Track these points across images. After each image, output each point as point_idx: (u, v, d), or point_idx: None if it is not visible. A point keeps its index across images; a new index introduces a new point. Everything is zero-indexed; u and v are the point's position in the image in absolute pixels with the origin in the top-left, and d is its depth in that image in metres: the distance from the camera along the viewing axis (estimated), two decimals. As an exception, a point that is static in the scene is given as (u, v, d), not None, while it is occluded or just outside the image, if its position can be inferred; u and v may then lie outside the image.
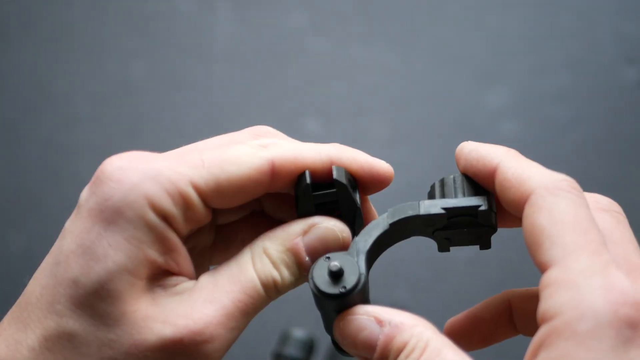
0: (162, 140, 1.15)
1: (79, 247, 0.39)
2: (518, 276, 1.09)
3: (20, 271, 1.26)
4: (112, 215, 0.39)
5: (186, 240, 0.41)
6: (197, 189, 0.39)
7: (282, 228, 0.40)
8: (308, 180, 0.41)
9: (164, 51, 1.17)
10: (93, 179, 0.41)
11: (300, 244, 0.40)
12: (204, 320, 0.38)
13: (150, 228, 0.38)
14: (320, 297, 0.38)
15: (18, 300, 0.40)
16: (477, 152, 0.42)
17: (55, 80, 1.17)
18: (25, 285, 0.42)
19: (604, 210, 0.38)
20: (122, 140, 1.15)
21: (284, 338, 0.84)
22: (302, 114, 1.15)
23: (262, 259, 0.39)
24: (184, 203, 0.39)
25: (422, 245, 1.12)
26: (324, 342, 0.88)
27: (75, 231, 0.40)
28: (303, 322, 0.92)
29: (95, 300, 0.38)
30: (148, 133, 1.15)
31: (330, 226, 0.40)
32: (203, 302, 0.38)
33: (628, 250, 0.36)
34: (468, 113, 1.14)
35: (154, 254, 0.38)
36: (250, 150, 0.41)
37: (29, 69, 1.18)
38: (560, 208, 0.36)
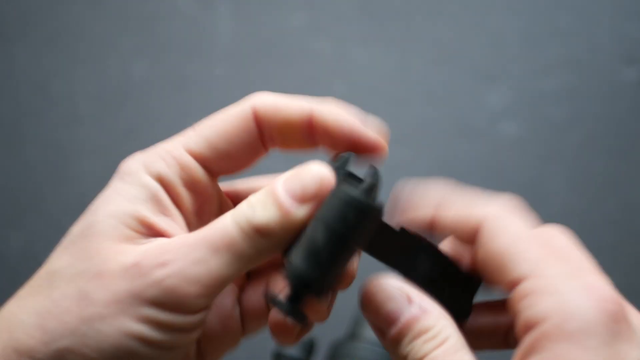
0: (163, 140, 1.15)
1: (85, 211, 0.41)
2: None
3: (20, 271, 1.26)
4: (113, 182, 0.41)
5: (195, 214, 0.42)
6: (189, 151, 0.42)
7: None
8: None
9: (164, 51, 1.17)
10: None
11: (278, 184, 0.39)
12: (164, 248, 0.38)
13: (143, 187, 0.40)
14: (364, 208, 0.38)
15: None
16: (414, 210, 0.42)
17: (56, 80, 1.17)
18: None
19: (556, 231, 0.39)
20: (123, 140, 1.15)
21: (284, 338, 0.84)
22: (302, 114, 1.15)
23: (241, 205, 0.39)
24: (178, 165, 0.42)
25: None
26: (324, 342, 0.88)
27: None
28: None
29: (78, 240, 0.40)
30: (149, 133, 1.15)
31: (310, 167, 0.40)
32: (172, 240, 0.39)
33: (584, 260, 0.39)
34: (468, 113, 1.14)
35: (146, 211, 0.40)
36: (235, 104, 0.44)
37: (29, 69, 1.18)
38: (513, 228, 0.38)
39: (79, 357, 0.37)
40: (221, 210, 0.44)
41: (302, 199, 0.39)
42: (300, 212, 0.39)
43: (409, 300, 0.37)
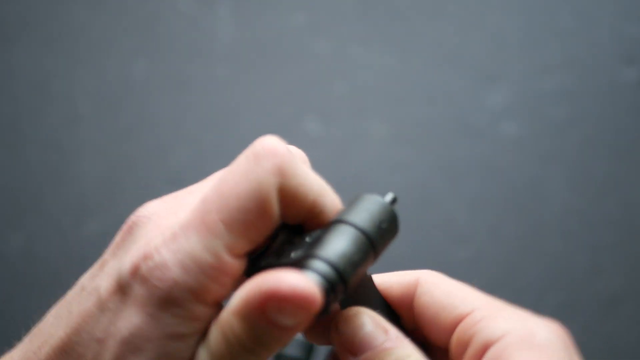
0: (163, 140, 1.15)
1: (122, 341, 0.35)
2: (518, 276, 1.09)
3: (20, 271, 1.26)
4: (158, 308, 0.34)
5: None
6: (233, 252, 0.35)
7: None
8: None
9: (164, 51, 1.17)
10: (123, 232, 0.36)
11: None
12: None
13: (191, 318, 0.34)
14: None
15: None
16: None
17: (56, 80, 1.17)
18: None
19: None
20: (123, 140, 1.15)
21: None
22: (302, 114, 1.15)
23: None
24: (230, 287, 0.35)
25: (421, 245, 1.12)
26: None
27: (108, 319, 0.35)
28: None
29: None
30: (149, 133, 1.15)
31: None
32: None
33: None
34: (468, 113, 1.15)
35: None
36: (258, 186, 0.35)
37: (29, 69, 1.18)
38: (450, 281, 0.39)
39: None
40: None
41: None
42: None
43: (385, 332, 0.36)
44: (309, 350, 0.83)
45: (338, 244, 0.35)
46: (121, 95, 1.17)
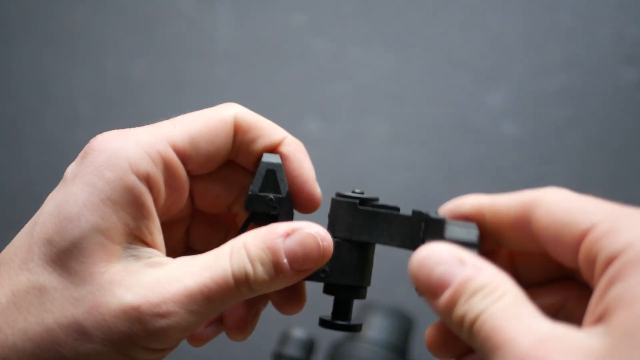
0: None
1: (56, 208, 0.41)
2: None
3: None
4: (93, 178, 0.40)
5: (165, 212, 0.42)
6: (174, 147, 0.42)
7: (267, 227, 0.41)
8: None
9: (164, 51, 1.17)
10: (80, 154, 0.41)
11: (281, 244, 0.40)
12: (164, 295, 0.38)
13: (127, 190, 0.40)
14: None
15: None
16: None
17: (56, 80, 1.17)
18: None
19: None
20: (122, 140, 1.15)
21: (284, 338, 0.84)
22: (302, 114, 1.15)
23: (240, 252, 0.40)
24: (164, 164, 0.41)
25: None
26: (324, 342, 0.88)
27: (56, 197, 0.42)
28: (303, 322, 0.92)
29: (67, 258, 0.39)
30: (148, 133, 1.15)
31: (313, 233, 0.40)
32: (169, 280, 0.39)
33: None
34: (468, 113, 1.14)
35: (128, 218, 0.40)
36: (215, 108, 0.44)
37: (29, 69, 1.18)
38: (571, 195, 0.38)
39: None
40: (187, 203, 0.45)
41: (301, 270, 0.40)
42: (296, 278, 0.40)
43: (461, 262, 0.34)
44: (309, 350, 0.83)
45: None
46: (121, 95, 1.17)
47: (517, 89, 1.14)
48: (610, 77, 1.14)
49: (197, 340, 0.45)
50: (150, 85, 1.17)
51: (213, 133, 0.43)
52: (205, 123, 0.44)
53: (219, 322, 0.45)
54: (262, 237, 0.40)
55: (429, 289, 0.35)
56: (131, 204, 0.40)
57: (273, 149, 0.44)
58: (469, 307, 0.33)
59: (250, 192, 0.43)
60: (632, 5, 1.14)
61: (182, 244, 0.47)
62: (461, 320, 0.33)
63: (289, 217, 0.44)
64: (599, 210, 0.36)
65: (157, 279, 0.39)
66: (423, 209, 0.43)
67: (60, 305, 0.38)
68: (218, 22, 1.17)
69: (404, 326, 0.93)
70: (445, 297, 0.34)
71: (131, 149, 0.40)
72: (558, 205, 0.37)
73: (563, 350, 0.30)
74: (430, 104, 1.15)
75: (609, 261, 0.32)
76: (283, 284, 0.40)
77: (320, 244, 0.40)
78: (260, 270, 0.39)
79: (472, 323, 0.33)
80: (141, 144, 0.41)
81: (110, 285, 0.38)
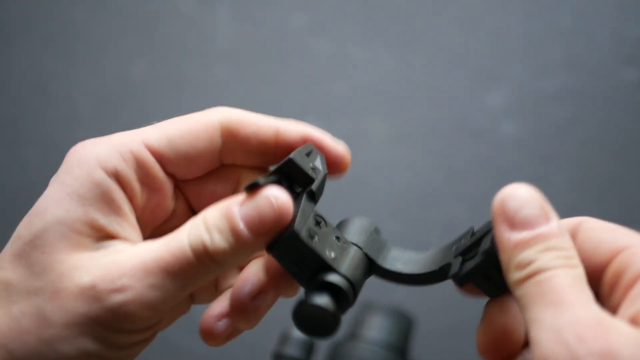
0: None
1: (31, 209, 0.41)
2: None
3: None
4: (63, 176, 0.41)
5: (146, 206, 0.42)
6: (149, 147, 0.42)
7: (227, 199, 0.41)
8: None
9: (164, 51, 1.17)
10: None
11: (235, 210, 0.39)
12: (120, 271, 0.38)
13: (95, 185, 0.40)
14: None
15: None
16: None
17: (56, 80, 1.17)
18: None
19: None
20: (122, 140, 1.15)
21: (284, 338, 0.84)
22: (302, 114, 1.15)
23: (198, 225, 0.40)
24: (136, 161, 0.41)
25: (421, 245, 1.12)
26: (324, 342, 0.88)
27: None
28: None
29: (30, 250, 0.40)
30: (148, 133, 1.15)
31: (266, 194, 0.40)
32: (127, 257, 0.39)
33: None
34: (468, 113, 1.14)
35: (96, 213, 0.40)
36: (201, 112, 0.44)
37: (29, 69, 1.18)
38: (611, 224, 0.40)
39: None
40: (175, 209, 0.45)
41: (259, 232, 0.39)
42: (256, 243, 0.39)
43: (547, 216, 0.36)
44: (309, 350, 0.83)
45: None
46: (121, 95, 1.17)
47: (517, 89, 1.14)
48: (610, 77, 1.14)
49: (210, 337, 0.44)
50: (150, 85, 1.17)
51: (193, 135, 0.43)
52: (186, 126, 0.44)
53: (229, 315, 0.45)
54: (219, 207, 0.40)
55: (510, 219, 0.36)
56: (99, 199, 0.40)
57: (272, 142, 0.45)
58: (542, 257, 0.34)
59: (292, 156, 0.42)
60: (632, 5, 1.14)
61: None
62: (526, 264, 0.34)
63: (320, 192, 0.43)
64: (636, 235, 0.38)
65: (116, 259, 0.39)
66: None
67: (25, 296, 0.39)
68: (218, 22, 1.17)
69: (404, 326, 0.92)
70: (524, 235, 0.35)
71: (102, 148, 0.41)
72: (602, 226, 0.39)
73: (619, 334, 0.32)
74: (430, 104, 1.15)
75: (639, 276, 0.35)
76: (247, 252, 0.40)
77: (274, 202, 0.39)
78: (217, 238, 0.39)
79: (537, 272, 0.34)
80: (113, 144, 0.42)
81: (69, 272, 0.38)
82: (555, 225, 0.35)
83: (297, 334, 0.84)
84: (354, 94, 1.15)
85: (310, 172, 0.43)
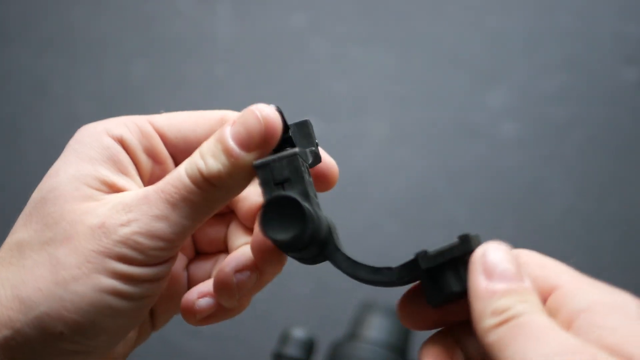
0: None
1: (45, 176, 0.44)
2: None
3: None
4: (73, 145, 0.43)
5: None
6: (153, 125, 0.45)
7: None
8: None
9: (164, 51, 1.17)
10: None
11: (227, 131, 0.41)
12: (125, 207, 0.40)
13: (104, 148, 0.43)
14: None
15: None
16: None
17: (56, 80, 1.17)
18: None
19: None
20: (122, 140, 1.15)
21: (284, 338, 0.84)
22: (302, 114, 1.15)
23: (194, 155, 0.42)
24: (141, 133, 0.45)
25: (421, 245, 1.12)
26: (324, 342, 0.88)
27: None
28: (303, 322, 0.92)
29: (42, 206, 0.42)
30: (148, 133, 1.15)
31: (252, 109, 0.42)
32: (133, 195, 0.41)
33: None
34: (468, 113, 1.14)
35: (105, 171, 0.42)
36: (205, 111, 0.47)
37: (29, 69, 1.18)
38: (544, 258, 0.41)
39: (58, 319, 0.39)
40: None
41: (249, 146, 0.41)
42: (248, 158, 0.41)
43: (520, 275, 0.37)
44: (309, 350, 0.83)
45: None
46: (121, 95, 1.17)
47: (517, 89, 1.14)
48: (610, 77, 1.14)
49: (190, 313, 0.45)
50: (150, 85, 1.17)
51: (193, 121, 0.46)
52: (189, 115, 0.47)
53: (212, 295, 0.45)
54: (215, 134, 0.42)
55: (489, 271, 0.37)
56: (109, 160, 0.42)
57: None
58: (519, 305, 0.36)
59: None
60: (632, 5, 1.14)
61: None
62: (503, 310, 0.36)
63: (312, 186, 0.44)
64: (569, 273, 0.39)
65: (122, 199, 0.41)
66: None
67: (38, 248, 0.40)
68: (218, 22, 1.17)
69: (404, 326, 0.93)
70: (502, 285, 0.36)
71: (109, 121, 0.45)
72: (534, 261, 0.40)
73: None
74: (430, 104, 1.15)
75: (576, 313, 0.36)
76: (242, 171, 0.41)
77: (259, 115, 0.41)
78: (211, 162, 0.40)
79: (516, 316, 0.35)
80: (120, 119, 0.45)
81: (80, 217, 0.40)
82: (529, 284, 0.37)
83: (297, 333, 0.84)
84: (354, 94, 1.15)
85: (315, 140, 0.47)
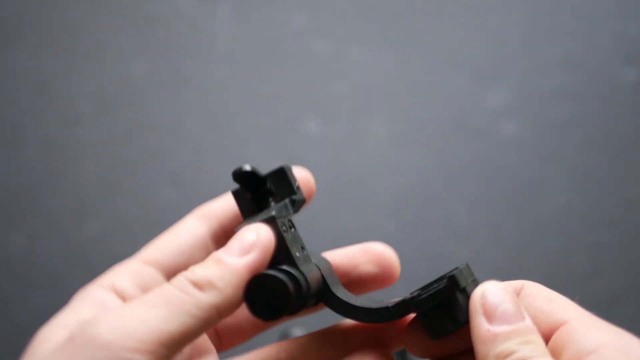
0: (163, 141, 1.15)
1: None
2: (517, 276, 1.09)
3: (20, 271, 1.26)
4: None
5: None
6: (144, 260, 0.44)
7: None
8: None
9: (164, 51, 1.17)
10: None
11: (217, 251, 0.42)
12: (100, 310, 0.40)
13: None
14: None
15: None
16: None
17: (56, 80, 1.17)
18: None
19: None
20: (123, 140, 1.15)
21: (284, 338, 0.84)
22: (302, 114, 1.15)
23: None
24: (129, 273, 0.44)
25: (421, 245, 1.12)
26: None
27: None
28: (303, 322, 0.92)
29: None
30: (149, 133, 1.15)
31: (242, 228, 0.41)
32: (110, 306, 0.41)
33: None
34: (468, 113, 1.14)
35: None
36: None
37: (29, 69, 1.18)
38: (551, 292, 0.41)
39: None
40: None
41: (240, 252, 0.40)
42: (240, 262, 0.39)
43: (523, 317, 0.38)
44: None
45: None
46: (121, 95, 1.17)
47: (517, 89, 1.14)
48: (610, 77, 1.14)
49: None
50: (150, 85, 1.17)
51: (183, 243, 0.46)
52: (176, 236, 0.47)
53: None
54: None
55: (490, 314, 0.38)
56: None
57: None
58: (523, 349, 0.36)
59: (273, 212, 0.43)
60: (632, 5, 1.14)
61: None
62: (507, 354, 0.36)
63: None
64: (575, 309, 0.39)
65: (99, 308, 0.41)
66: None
67: None
68: (218, 22, 1.17)
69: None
70: (504, 328, 0.37)
71: (101, 278, 0.43)
72: (541, 294, 0.40)
73: None
74: (430, 104, 1.15)
75: (581, 355, 0.36)
76: (236, 274, 0.40)
77: (251, 227, 0.41)
78: (198, 269, 0.40)
79: None
80: (112, 272, 0.44)
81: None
82: (530, 322, 0.37)
83: (297, 333, 0.84)
84: (354, 94, 1.15)
85: (295, 186, 0.45)
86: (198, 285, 0.38)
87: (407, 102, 1.15)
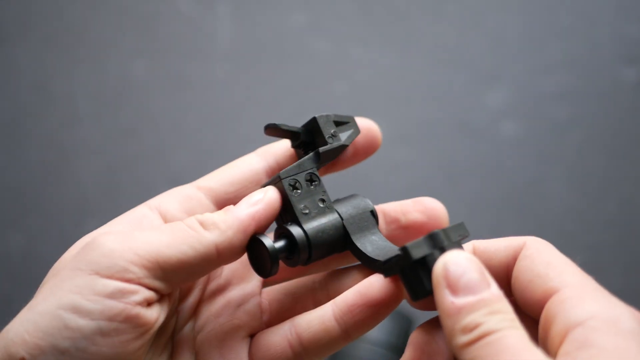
0: (163, 140, 1.15)
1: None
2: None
3: (20, 271, 1.26)
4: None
5: None
6: (199, 187, 0.48)
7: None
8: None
9: (164, 51, 1.17)
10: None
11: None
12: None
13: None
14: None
15: None
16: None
17: (56, 80, 1.17)
18: None
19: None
20: (123, 140, 1.15)
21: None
22: (302, 114, 1.15)
23: None
24: (183, 197, 0.47)
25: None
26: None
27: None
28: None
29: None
30: (149, 133, 1.15)
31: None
32: None
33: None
34: (468, 113, 1.14)
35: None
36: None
37: (29, 69, 1.18)
38: (550, 252, 0.39)
39: (21, 344, 0.40)
40: None
41: (247, 206, 0.43)
42: (245, 211, 0.43)
43: (488, 284, 0.36)
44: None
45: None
46: (121, 95, 1.17)
47: (517, 89, 1.14)
48: (610, 77, 1.14)
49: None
50: (150, 85, 1.17)
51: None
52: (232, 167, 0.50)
53: None
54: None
55: (453, 285, 0.36)
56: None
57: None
58: (489, 320, 0.34)
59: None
60: (632, 5, 1.14)
61: None
62: (473, 327, 0.34)
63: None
64: (573, 275, 0.37)
65: None
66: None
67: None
68: (218, 22, 1.17)
69: (404, 326, 0.92)
70: (468, 299, 0.35)
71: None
72: (540, 256, 0.38)
73: None
74: (430, 104, 1.15)
75: (570, 326, 0.34)
76: (238, 221, 0.43)
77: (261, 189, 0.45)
78: (207, 214, 0.44)
79: (486, 334, 0.34)
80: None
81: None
82: (496, 289, 0.36)
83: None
84: (354, 94, 1.15)
85: (326, 135, 0.48)
86: (204, 225, 0.41)
87: (407, 102, 1.15)
